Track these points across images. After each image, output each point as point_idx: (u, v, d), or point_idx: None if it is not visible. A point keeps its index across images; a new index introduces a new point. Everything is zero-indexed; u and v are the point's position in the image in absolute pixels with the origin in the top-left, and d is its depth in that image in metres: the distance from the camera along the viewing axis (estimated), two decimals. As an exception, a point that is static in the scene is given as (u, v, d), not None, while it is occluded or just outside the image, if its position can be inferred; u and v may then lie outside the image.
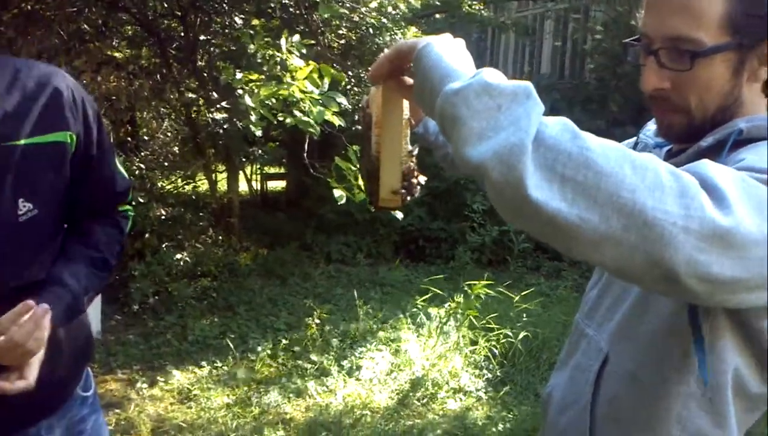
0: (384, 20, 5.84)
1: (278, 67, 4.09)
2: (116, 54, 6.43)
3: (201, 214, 6.51)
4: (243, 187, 8.51)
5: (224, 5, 5.84)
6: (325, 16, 5.19)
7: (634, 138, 1.36)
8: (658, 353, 1.10)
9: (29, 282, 1.36)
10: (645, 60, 1.11)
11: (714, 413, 1.09)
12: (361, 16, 5.74)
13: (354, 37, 6.02)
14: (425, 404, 4.17)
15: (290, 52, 3.96)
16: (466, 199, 7.38)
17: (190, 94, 6.20)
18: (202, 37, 6.05)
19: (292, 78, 3.86)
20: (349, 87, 5.76)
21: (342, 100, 3.86)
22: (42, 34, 5.49)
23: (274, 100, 3.85)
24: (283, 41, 3.98)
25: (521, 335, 4.76)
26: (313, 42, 4.74)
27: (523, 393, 4.34)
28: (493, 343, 4.70)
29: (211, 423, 3.83)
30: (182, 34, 6.00)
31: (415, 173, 1.08)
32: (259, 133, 3.98)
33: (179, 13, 5.84)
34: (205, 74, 5.99)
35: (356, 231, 7.29)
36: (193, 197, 7.25)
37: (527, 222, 0.83)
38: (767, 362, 1.07)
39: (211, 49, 6.11)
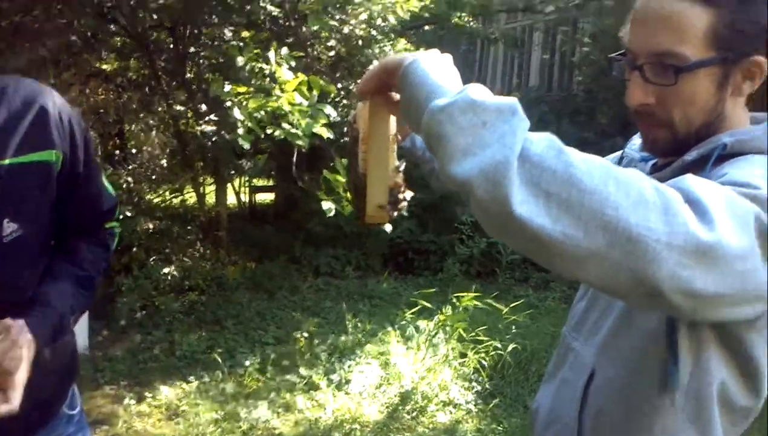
0: (373, 32, 5.86)
1: (267, 79, 4.10)
2: (105, 66, 6.42)
3: (189, 227, 6.49)
4: (231, 199, 8.49)
5: (214, 17, 5.85)
6: (315, 28, 5.22)
7: (620, 151, 1.37)
8: (643, 367, 1.10)
9: (15, 302, 1.34)
10: (630, 75, 1.12)
11: (700, 426, 1.09)
12: (351, 28, 5.75)
13: (343, 49, 6.03)
14: (415, 417, 4.16)
15: (279, 64, 3.97)
16: (454, 212, 7.39)
17: (179, 107, 6.18)
18: (191, 49, 6.05)
19: (281, 90, 3.87)
20: (338, 99, 5.77)
21: (331, 111, 3.86)
22: (30, 45, 5.47)
23: (262, 113, 3.85)
24: (272, 54, 3.98)
25: (510, 347, 4.76)
26: (302, 54, 4.75)
27: (513, 405, 4.34)
28: (482, 355, 4.70)
29: (199, 438, 3.82)
30: (171, 46, 5.99)
31: (402, 189, 1.08)
32: (247, 146, 3.97)
33: (168, 25, 5.84)
34: (194, 87, 5.98)
35: (345, 244, 7.28)
36: (181, 210, 7.22)
37: (512, 238, 0.84)
38: (752, 375, 1.07)
39: (201, 61, 6.10)
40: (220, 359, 4.68)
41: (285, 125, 3.84)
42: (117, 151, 7.06)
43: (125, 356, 4.85)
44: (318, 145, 4.79)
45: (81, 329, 4.57)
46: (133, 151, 7.46)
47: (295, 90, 3.78)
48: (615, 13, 7.72)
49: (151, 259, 5.79)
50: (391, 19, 5.98)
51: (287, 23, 5.57)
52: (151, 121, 7.11)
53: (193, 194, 7.24)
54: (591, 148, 0.84)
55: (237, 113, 3.99)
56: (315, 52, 5.87)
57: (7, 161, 1.29)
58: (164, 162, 7.18)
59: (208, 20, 5.84)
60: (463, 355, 4.76)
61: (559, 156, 0.81)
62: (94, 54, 6.16)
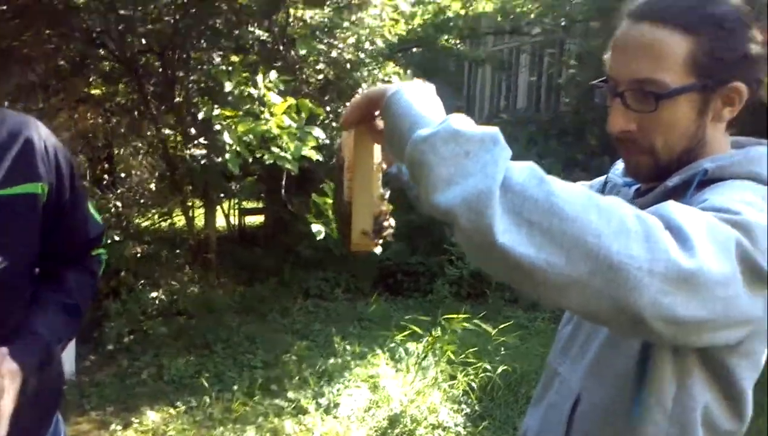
0: (362, 55, 5.90)
1: (256, 103, 4.11)
2: (94, 91, 6.42)
3: (177, 251, 6.46)
4: (221, 222, 8.48)
5: (202, 42, 5.87)
6: (303, 52, 5.25)
7: (604, 176, 1.38)
8: (628, 392, 1.10)
9: (1, 333, 1.34)
10: (611, 101, 1.13)
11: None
12: (339, 51, 5.79)
13: (332, 73, 6.06)
14: (404, 440, 4.13)
15: (269, 89, 3.99)
16: (443, 233, 7.40)
17: (168, 131, 6.19)
18: (180, 74, 6.06)
19: (271, 114, 3.88)
20: (327, 121, 5.79)
21: (320, 134, 3.87)
22: (20, 70, 5.47)
23: (251, 137, 3.85)
24: (260, 78, 4.00)
25: (500, 369, 4.75)
26: (291, 78, 4.78)
27: (502, 428, 4.32)
28: (472, 377, 4.68)
29: (187, 464, 3.78)
30: (160, 70, 6.01)
31: (387, 216, 1.09)
32: (236, 170, 3.98)
33: (157, 50, 5.86)
34: (183, 110, 5.99)
35: (334, 266, 7.27)
36: (170, 234, 7.20)
37: (496, 267, 0.84)
38: (736, 399, 1.08)
39: (189, 85, 6.12)
40: (207, 384, 4.64)
41: (274, 149, 3.85)
42: (106, 176, 7.04)
43: (112, 381, 4.80)
44: (307, 167, 4.80)
45: (68, 354, 4.53)
46: (122, 175, 7.44)
47: (283, 113, 3.79)
48: (601, 34, 7.80)
49: (140, 283, 5.76)
50: (379, 43, 6.04)
51: (276, 47, 5.60)
52: (140, 145, 7.11)
53: (182, 217, 7.23)
54: (579, 168, 0.86)
55: (226, 137, 4.00)
56: (304, 76, 5.91)
57: None
58: (153, 186, 7.17)
59: (197, 45, 5.87)
60: (453, 377, 4.74)
61: (541, 185, 0.82)
62: (83, 79, 6.17)
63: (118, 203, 6.11)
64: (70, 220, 1.47)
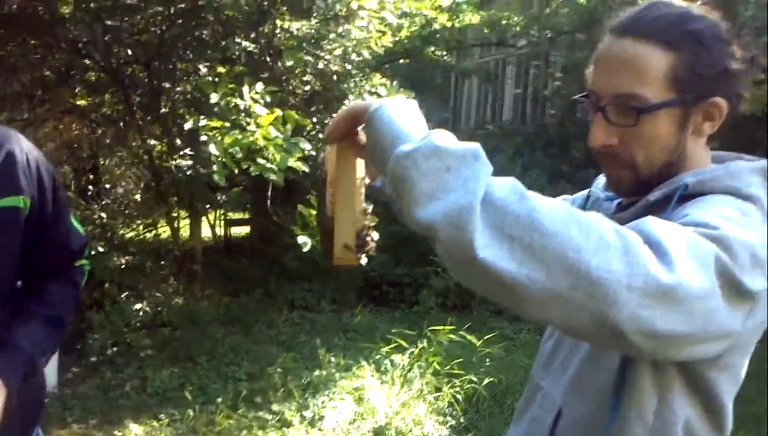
0: (348, 67, 5.91)
1: (242, 114, 4.10)
2: (79, 101, 6.40)
3: (162, 262, 6.43)
4: (206, 232, 8.45)
5: (189, 53, 5.87)
6: (290, 63, 5.25)
7: (586, 191, 1.39)
8: (608, 407, 1.10)
9: None
10: (593, 116, 1.13)
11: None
12: (326, 63, 5.80)
13: (318, 84, 6.07)
14: (390, 453, 4.12)
15: (255, 101, 3.98)
16: (429, 244, 7.40)
17: (153, 142, 6.17)
18: (166, 85, 6.05)
19: (257, 125, 3.88)
20: (313, 132, 5.79)
21: (306, 145, 3.87)
22: (5, 80, 5.45)
23: (237, 148, 3.85)
24: (245, 89, 4.00)
25: (486, 380, 4.75)
26: (277, 89, 4.78)
27: (488, 440, 4.32)
28: (457, 389, 4.68)
29: (170, 477, 3.75)
30: (146, 81, 6.00)
31: (370, 231, 1.09)
32: (222, 182, 3.97)
33: (143, 61, 5.85)
34: (169, 121, 5.98)
35: (320, 277, 7.26)
36: (155, 245, 7.16)
37: (477, 282, 0.84)
38: (717, 412, 1.08)
39: (175, 96, 6.11)
40: (191, 396, 4.61)
41: (260, 160, 3.84)
42: (91, 186, 7.01)
43: (95, 393, 4.76)
44: (293, 178, 4.79)
45: (50, 366, 4.48)
46: (107, 186, 7.41)
47: (270, 125, 3.79)
48: (586, 47, 7.86)
49: (124, 294, 5.72)
50: (366, 54, 6.05)
51: (262, 58, 5.60)
52: (126, 156, 7.08)
53: (167, 228, 7.20)
54: (564, 179, 0.86)
55: (212, 148, 3.99)
56: (290, 87, 5.91)
57: None
58: (138, 196, 7.14)
59: (184, 55, 5.86)
60: (438, 389, 4.73)
61: (522, 200, 0.82)
62: (68, 89, 6.15)
63: (103, 214, 6.08)
64: (52, 232, 1.47)
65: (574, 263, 0.80)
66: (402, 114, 0.97)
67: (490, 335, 5.53)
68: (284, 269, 7.33)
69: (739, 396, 1.11)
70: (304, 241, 3.72)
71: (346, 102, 5.63)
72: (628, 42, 1.08)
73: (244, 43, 5.67)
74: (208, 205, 7.19)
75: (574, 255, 0.80)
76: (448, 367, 4.87)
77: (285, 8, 5.41)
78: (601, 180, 1.34)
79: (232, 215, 9.41)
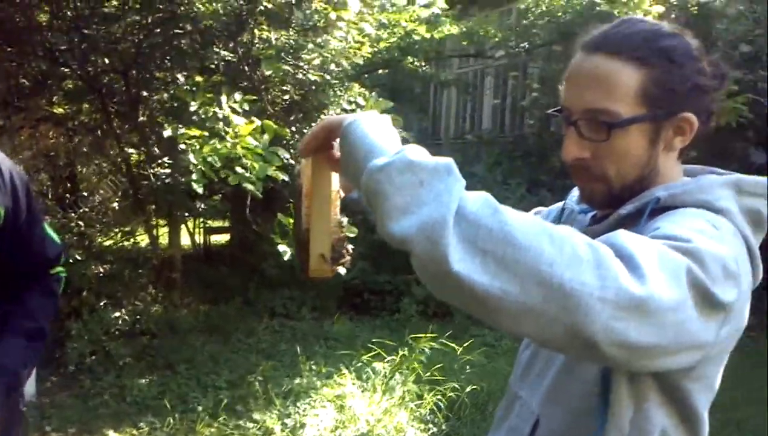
0: (327, 77, 5.92)
1: (220, 123, 4.10)
2: (56, 109, 6.35)
3: (141, 270, 6.38)
4: (186, 240, 8.40)
5: (167, 61, 5.84)
6: (268, 73, 5.25)
7: (561, 203, 1.41)
8: (585, 415, 1.12)
9: None
10: (566, 130, 1.16)
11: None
12: (304, 73, 5.80)
13: (297, 94, 6.07)
14: (370, 461, 4.12)
15: (234, 110, 3.98)
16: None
17: (131, 150, 6.13)
18: (144, 93, 6.02)
19: (235, 135, 3.87)
20: (292, 142, 5.79)
21: (285, 154, 3.88)
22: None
23: (215, 158, 3.84)
24: (224, 98, 4.00)
25: (468, 388, 4.76)
26: (255, 98, 4.77)
27: (469, 447, 4.33)
28: (439, 396, 4.68)
29: (150, 488, 3.72)
30: (124, 89, 5.97)
31: (345, 243, 1.10)
32: (201, 190, 3.96)
33: (121, 69, 5.82)
34: (147, 130, 5.95)
35: (300, 285, 7.23)
36: (133, 253, 7.11)
37: (451, 295, 0.86)
38: (692, 421, 1.10)
39: (153, 104, 6.08)
40: (170, 405, 4.58)
41: (238, 169, 3.84)
42: (68, 195, 6.94)
43: (74, 402, 4.72)
44: (273, 187, 4.79)
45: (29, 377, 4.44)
46: (85, 194, 7.34)
47: (248, 135, 3.79)
48: (562, 58, 7.92)
49: (102, 303, 5.67)
50: (345, 64, 6.06)
51: (241, 67, 5.60)
52: (103, 164, 7.03)
53: (146, 236, 7.15)
54: (544, 188, 0.87)
55: (191, 157, 3.98)
56: (269, 96, 5.90)
57: None
58: (116, 205, 7.08)
59: (162, 64, 5.84)
60: (420, 396, 4.74)
61: (495, 214, 0.83)
62: (45, 97, 6.10)
63: (81, 222, 6.02)
64: (27, 240, 1.47)
65: (546, 276, 0.81)
66: (375, 128, 0.98)
67: (470, 342, 5.55)
68: (264, 277, 7.30)
69: (714, 405, 1.13)
70: (284, 249, 3.72)
71: (325, 112, 5.65)
72: (599, 58, 1.11)
73: (223, 53, 5.66)
74: (187, 214, 7.16)
75: (547, 268, 0.81)
76: (429, 374, 4.88)
77: (263, 18, 5.41)
78: (576, 193, 1.35)
79: (211, 223, 9.37)
